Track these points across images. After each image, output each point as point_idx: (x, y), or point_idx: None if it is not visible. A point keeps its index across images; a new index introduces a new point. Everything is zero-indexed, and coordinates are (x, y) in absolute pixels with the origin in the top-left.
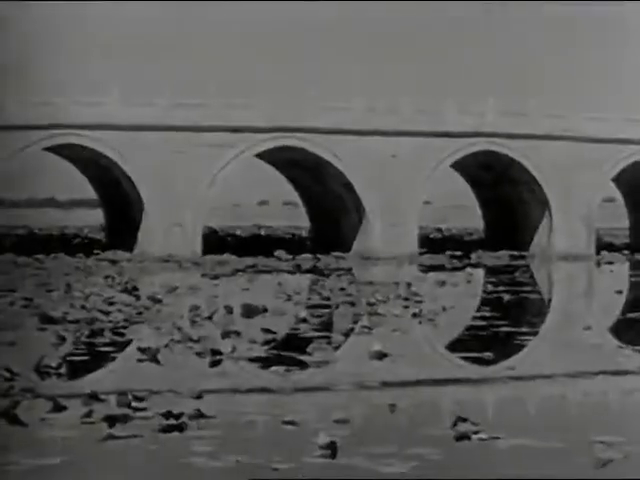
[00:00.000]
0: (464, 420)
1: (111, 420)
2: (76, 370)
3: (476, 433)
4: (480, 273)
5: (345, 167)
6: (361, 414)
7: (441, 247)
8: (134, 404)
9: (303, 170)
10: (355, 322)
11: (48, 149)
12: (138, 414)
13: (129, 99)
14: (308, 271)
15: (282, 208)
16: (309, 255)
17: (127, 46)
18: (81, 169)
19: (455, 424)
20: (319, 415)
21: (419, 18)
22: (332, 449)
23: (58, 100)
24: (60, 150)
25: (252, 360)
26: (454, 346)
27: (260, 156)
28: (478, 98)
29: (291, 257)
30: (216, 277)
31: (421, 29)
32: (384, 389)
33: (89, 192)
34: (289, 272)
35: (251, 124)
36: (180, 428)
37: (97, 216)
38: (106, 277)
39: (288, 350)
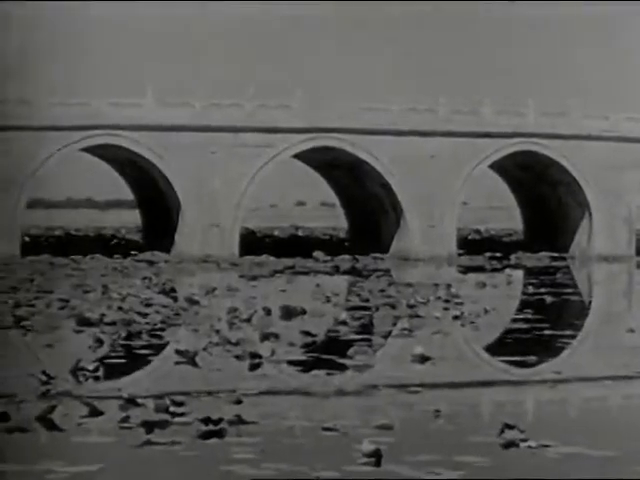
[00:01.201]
0: (511, 427)
1: (149, 426)
2: (113, 373)
3: (524, 441)
4: (519, 274)
5: (383, 167)
6: (404, 419)
7: (480, 248)
8: (172, 409)
9: (341, 171)
10: (395, 324)
11: (85, 150)
12: (177, 419)
13: (165, 100)
14: (346, 272)
15: (319, 209)
16: (347, 256)
17: (161, 46)
18: (118, 170)
19: (502, 431)
20: (361, 421)
21: (458, 18)
22: (377, 457)
23: (95, 101)
24: (97, 151)
25: (292, 363)
26: (496, 349)
27: (298, 157)
28: (517, 98)
29: (329, 258)
30: (254, 278)
31: (459, 29)
32: (427, 393)
33: (126, 193)
34: (327, 273)
35: (289, 125)
36: (219, 434)
37: (134, 217)
38: (143, 278)
39: (328, 353)
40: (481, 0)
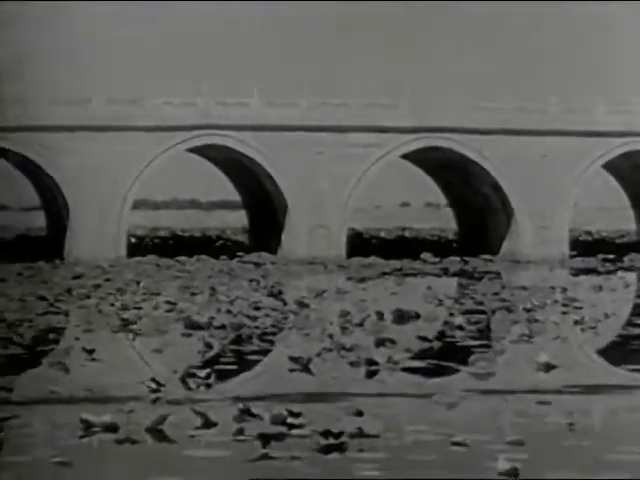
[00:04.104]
0: None
1: (265, 438)
2: (224, 380)
3: None
4: (633, 277)
5: (493, 167)
6: (536, 433)
7: (592, 250)
8: (289, 420)
9: (450, 171)
10: (512, 329)
11: (191, 150)
12: (294, 432)
13: (272, 99)
14: (456, 274)
15: (424, 210)
16: (456, 258)
17: (268, 45)
18: (224, 170)
19: None
20: (491, 435)
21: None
22: (514, 476)
23: (201, 101)
24: (203, 151)
25: (409, 370)
26: (620, 356)
27: (406, 157)
28: (629, 96)
29: (438, 260)
30: (362, 280)
31: (566, 27)
32: (556, 404)
33: (231, 193)
34: (436, 275)
35: (397, 124)
36: (341, 448)
37: (239, 217)
38: (251, 280)
39: (446, 360)
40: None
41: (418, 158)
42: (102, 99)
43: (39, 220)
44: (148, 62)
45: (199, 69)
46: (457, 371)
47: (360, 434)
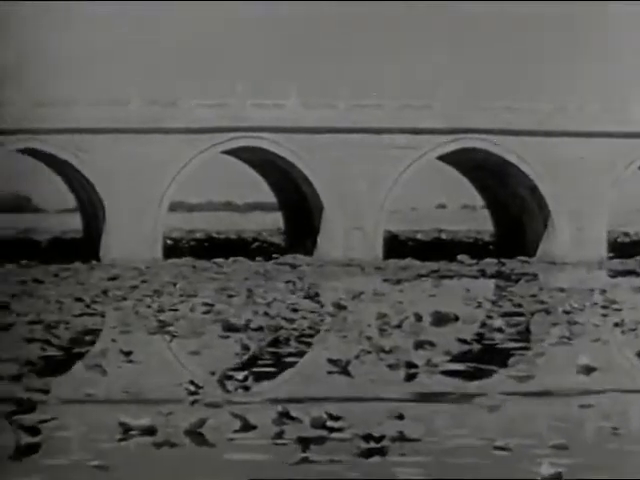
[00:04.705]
0: None
1: (305, 442)
2: (262, 382)
3: None
4: None
5: (530, 169)
6: (579, 437)
7: (630, 251)
8: (329, 424)
9: (486, 172)
10: (552, 332)
11: (227, 152)
12: (334, 435)
13: (308, 101)
14: (493, 276)
15: (460, 211)
16: (493, 259)
17: (305, 47)
18: (260, 172)
19: None
20: (534, 439)
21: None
22: None
23: (235, 102)
24: (239, 153)
25: (449, 373)
26: None
27: (442, 158)
28: None
29: (474, 261)
30: (399, 282)
31: (598, 26)
32: (598, 407)
33: (266, 195)
34: (473, 277)
35: (433, 125)
36: (382, 452)
37: (275, 219)
38: (287, 282)
39: (486, 362)
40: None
41: (454, 160)
42: (138, 101)
43: (75, 222)
44: (183, 64)
45: (233, 70)
46: (497, 374)
47: (401, 438)
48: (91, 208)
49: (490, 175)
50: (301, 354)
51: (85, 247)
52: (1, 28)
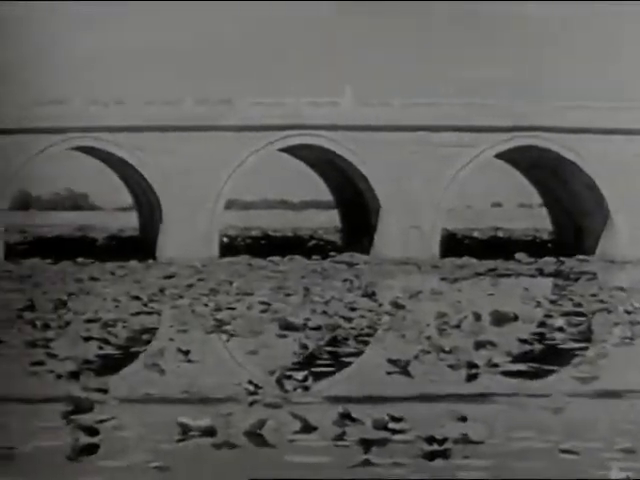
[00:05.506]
0: None
1: (367, 444)
2: (320, 382)
3: None
4: None
5: (589, 167)
6: None
7: None
8: (391, 425)
9: (544, 170)
10: (614, 331)
11: (283, 150)
12: (396, 437)
13: (364, 99)
14: (551, 275)
15: (516, 210)
16: (551, 258)
17: (358, 46)
18: (316, 170)
19: None
20: (601, 442)
21: None
22: None
23: (290, 101)
24: (295, 151)
25: (510, 374)
26: None
27: (499, 156)
28: None
29: (532, 260)
30: (456, 280)
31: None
32: None
33: (322, 193)
34: (531, 276)
35: (491, 123)
36: (445, 455)
37: (330, 217)
38: (344, 280)
39: (548, 363)
40: None
41: (512, 157)
42: (194, 99)
43: (132, 220)
44: (238, 63)
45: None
46: (559, 375)
47: (465, 440)
48: (148, 206)
49: (548, 173)
50: (360, 354)
51: (141, 245)
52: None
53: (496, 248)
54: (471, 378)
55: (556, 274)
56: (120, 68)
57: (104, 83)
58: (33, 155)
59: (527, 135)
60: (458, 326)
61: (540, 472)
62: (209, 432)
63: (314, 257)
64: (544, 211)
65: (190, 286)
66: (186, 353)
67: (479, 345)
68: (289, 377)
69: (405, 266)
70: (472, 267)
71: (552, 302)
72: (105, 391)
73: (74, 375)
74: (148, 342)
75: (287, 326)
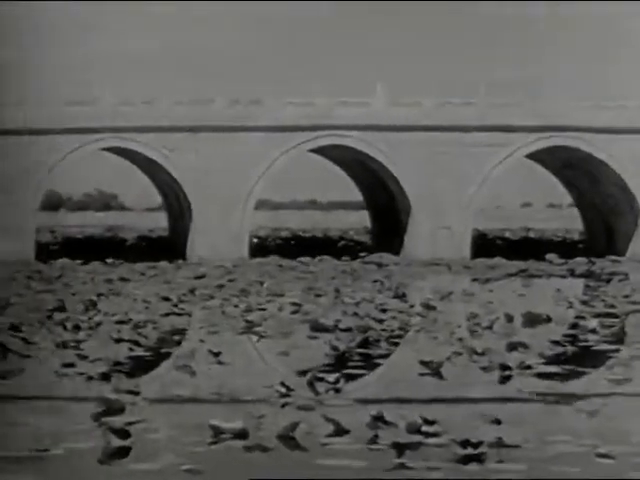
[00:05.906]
0: None
1: (400, 447)
2: (352, 384)
3: None
4: None
5: (620, 167)
6: None
7: None
8: (425, 428)
9: (576, 171)
10: None
11: (313, 150)
12: (430, 440)
13: (395, 99)
14: (583, 275)
15: (546, 210)
16: (583, 259)
17: (392, 45)
18: (347, 171)
19: None
20: (638, 446)
21: None
22: None
23: (321, 101)
24: (325, 151)
25: (544, 376)
26: None
27: (530, 156)
28: None
29: (563, 261)
30: (487, 281)
31: None
32: None
33: (351, 193)
34: (562, 276)
35: (522, 123)
36: (479, 459)
37: (360, 218)
38: (374, 281)
39: (581, 365)
40: None
41: (542, 158)
42: (224, 100)
43: (161, 220)
44: (267, 62)
45: (318, 69)
46: (593, 377)
47: (500, 444)
48: (177, 206)
49: (580, 173)
50: (391, 355)
51: (171, 245)
52: (86, 29)
53: (527, 249)
54: (504, 380)
55: (587, 275)
56: (150, 69)
57: (134, 83)
58: (63, 156)
59: (558, 135)
60: (490, 327)
61: (576, 477)
62: (241, 435)
63: (344, 258)
64: (574, 211)
65: (220, 287)
66: (217, 354)
67: (511, 347)
68: (321, 379)
69: (436, 267)
70: (503, 268)
71: (584, 303)
72: (137, 393)
73: (105, 377)
74: (178, 343)
75: (318, 327)
